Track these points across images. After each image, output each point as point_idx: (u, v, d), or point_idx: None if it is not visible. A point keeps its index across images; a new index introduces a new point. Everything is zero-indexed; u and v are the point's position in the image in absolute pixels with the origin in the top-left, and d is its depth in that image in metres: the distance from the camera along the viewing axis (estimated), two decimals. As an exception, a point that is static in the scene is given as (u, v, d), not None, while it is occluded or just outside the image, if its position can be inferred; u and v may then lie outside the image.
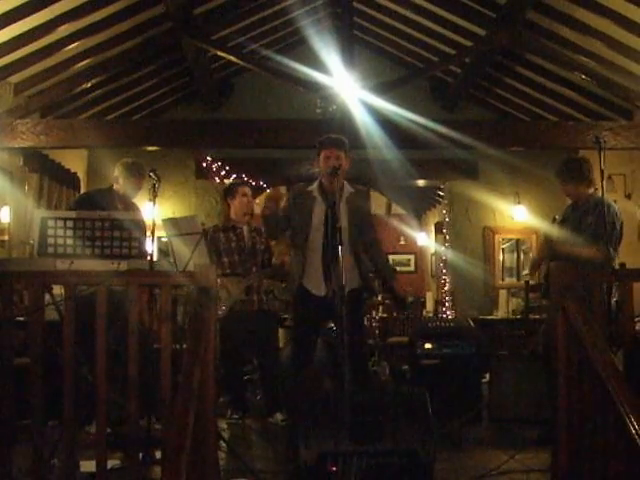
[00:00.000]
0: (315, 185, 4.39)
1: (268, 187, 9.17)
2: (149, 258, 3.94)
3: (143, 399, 3.29)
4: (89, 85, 7.16)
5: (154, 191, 4.20)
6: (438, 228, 11.18)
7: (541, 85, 8.05)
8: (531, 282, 7.38)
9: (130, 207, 4.91)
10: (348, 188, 4.34)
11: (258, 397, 6.02)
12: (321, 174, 4.38)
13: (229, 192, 5.82)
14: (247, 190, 5.74)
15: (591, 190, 4.61)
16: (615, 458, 2.79)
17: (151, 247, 4.21)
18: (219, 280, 5.26)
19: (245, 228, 5.65)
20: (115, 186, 4.92)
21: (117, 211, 4.59)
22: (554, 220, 4.80)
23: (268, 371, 5.54)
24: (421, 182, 9.56)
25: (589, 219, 4.46)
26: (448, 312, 8.94)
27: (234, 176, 8.77)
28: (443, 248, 9.69)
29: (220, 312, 5.81)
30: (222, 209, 8.59)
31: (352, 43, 7.33)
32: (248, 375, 6.32)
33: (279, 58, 7.95)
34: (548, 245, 4.69)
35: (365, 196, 4.73)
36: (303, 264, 4.32)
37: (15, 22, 5.66)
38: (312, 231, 4.30)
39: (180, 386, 2.69)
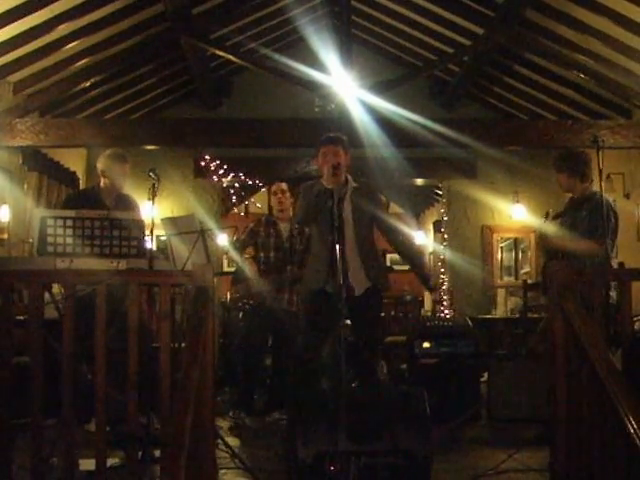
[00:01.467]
0: (321, 183, 4.24)
1: (264, 186, 9.18)
2: (148, 257, 3.93)
3: (142, 398, 3.29)
4: (88, 84, 7.15)
5: (153, 190, 4.19)
6: (436, 227, 11.17)
7: (540, 84, 8.05)
8: (529, 281, 7.39)
9: (122, 199, 4.87)
10: (352, 184, 4.25)
11: (256, 397, 6.00)
12: (321, 172, 4.26)
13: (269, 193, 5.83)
14: (277, 187, 5.68)
15: (586, 184, 4.58)
16: (613, 457, 2.80)
17: (150, 246, 4.21)
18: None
19: (285, 226, 5.62)
20: (102, 181, 4.88)
21: (110, 208, 4.58)
22: (547, 215, 4.79)
23: (281, 373, 5.53)
24: (419, 181, 9.57)
25: (583, 212, 4.46)
26: (446, 311, 8.93)
27: (232, 175, 8.79)
28: (441, 247, 9.68)
29: (247, 307, 5.81)
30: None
31: (350, 42, 7.34)
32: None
33: (278, 57, 7.93)
34: (543, 240, 4.69)
35: (371, 190, 4.45)
36: (327, 263, 4.04)
37: (14, 21, 5.67)
38: (327, 229, 4.01)
39: (179, 385, 2.69)
